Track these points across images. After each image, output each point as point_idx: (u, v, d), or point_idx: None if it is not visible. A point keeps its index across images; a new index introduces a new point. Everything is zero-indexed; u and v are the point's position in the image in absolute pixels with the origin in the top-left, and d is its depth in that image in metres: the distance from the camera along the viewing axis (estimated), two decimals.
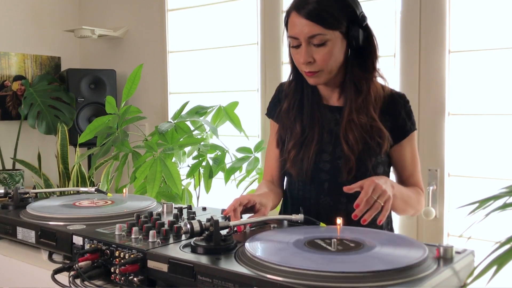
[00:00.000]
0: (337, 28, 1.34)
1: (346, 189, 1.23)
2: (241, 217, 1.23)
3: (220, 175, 2.54)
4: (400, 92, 1.48)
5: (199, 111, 2.61)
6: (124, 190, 1.53)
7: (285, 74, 2.76)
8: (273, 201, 1.45)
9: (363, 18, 1.40)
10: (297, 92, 1.49)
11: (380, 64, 1.46)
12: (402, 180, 1.50)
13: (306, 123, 1.46)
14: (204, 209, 1.40)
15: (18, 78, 3.47)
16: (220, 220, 1.03)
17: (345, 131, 1.39)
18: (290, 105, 1.49)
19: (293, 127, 1.48)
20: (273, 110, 1.58)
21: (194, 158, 2.53)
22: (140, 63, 2.60)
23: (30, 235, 1.25)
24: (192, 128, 2.55)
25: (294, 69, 1.47)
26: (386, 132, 1.39)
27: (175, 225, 1.10)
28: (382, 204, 1.18)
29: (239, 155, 2.50)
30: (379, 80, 1.46)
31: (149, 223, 1.13)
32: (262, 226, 1.19)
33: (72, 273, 1.02)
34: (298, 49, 1.37)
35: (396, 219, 2.38)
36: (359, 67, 1.41)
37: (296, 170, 1.44)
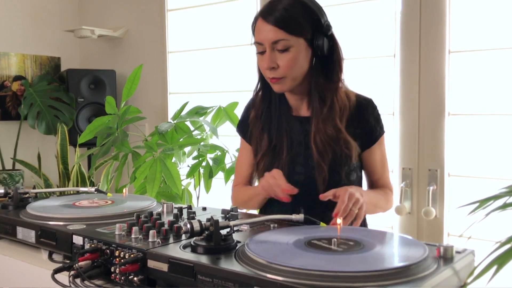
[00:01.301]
0: (301, 35, 1.35)
1: (321, 196, 1.26)
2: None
3: (220, 175, 2.54)
4: (368, 97, 1.48)
5: (199, 111, 2.61)
6: (124, 190, 1.53)
7: None
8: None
9: (328, 27, 1.40)
10: (265, 101, 1.49)
11: (344, 75, 1.46)
12: (372, 181, 1.53)
13: (274, 133, 1.45)
14: (204, 209, 1.40)
15: (18, 78, 3.47)
16: (220, 220, 1.03)
17: (314, 141, 1.39)
18: (257, 115, 1.50)
19: (261, 137, 1.48)
20: (244, 127, 1.59)
21: (194, 158, 2.53)
22: (140, 63, 2.60)
23: (30, 235, 1.25)
24: (192, 128, 2.55)
25: (261, 78, 1.47)
26: (353, 142, 1.40)
27: (175, 225, 1.10)
28: (357, 211, 1.23)
29: None
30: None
31: (149, 223, 1.13)
32: (262, 226, 1.19)
33: (72, 272, 1.02)
34: (263, 55, 1.37)
35: (396, 219, 2.38)
36: (324, 77, 1.41)
37: None
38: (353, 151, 1.40)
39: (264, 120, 1.48)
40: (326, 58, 1.40)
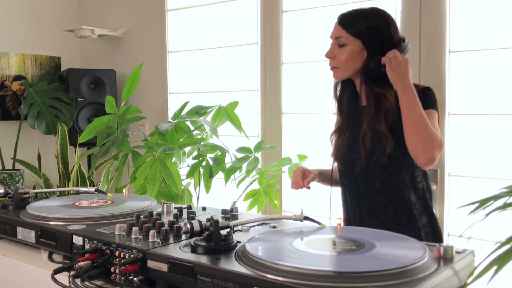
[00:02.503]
0: (359, 37, 1.58)
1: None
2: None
3: (220, 175, 2.54)
4: (426, 86, 1.65)
5: (199, 111, 2.61)
6: (124, 190, 1.53)
7: (285, 74, 2.76)
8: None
9: (395, 42, 1.61)
10: (342, 88, 1.73)
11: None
12: None
13: (344, 115, 1.70)
14: (204, 209, 1.40)
15: (18, 78, 3.47)
16: (220, 220, 1.03)
17: (364, 134, 1.60)
18: (335, 96, 1.74)
19: (337, 116, 1.75)
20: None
21: (194, 158, 2.53)
22: (140, 63, 2.60)
23: (30, 235, 1.25)
24: (192, 128, 2.55)
25: None
26: (390, 138, 1.55)
27: (175, 225, 1.10)
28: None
29: (239, 155, 2.50)
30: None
31: (149, 223, 1.13)
32: (262, 226, 1.19)
33: (72, 273, 1.02)
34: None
35: None
36: (370, 80, 1.60)
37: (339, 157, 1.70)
38: (388, 144, 1.55)
39: (339, 102, 1.72)
40: (378, 67, 1.59)
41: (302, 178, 1.66)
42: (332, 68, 1.65)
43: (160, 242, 1.03)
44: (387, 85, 1.57)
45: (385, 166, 1.58)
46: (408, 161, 1.57)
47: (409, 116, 1.51)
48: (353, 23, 1.59)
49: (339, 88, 1.74)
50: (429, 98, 1.60)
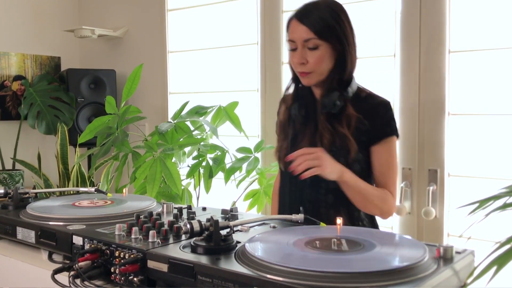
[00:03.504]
0: (329, 42, 1.50)
1: (289, 156, 1.42)
2: None
3: (220, 175, 2.54)
4: (386, 100, 1.59)
5: (199, 111, 2.61)
6: (124, 190, 1.53)
7: (285, 74, 2.76)
8: None
9: (352, 45, 1.54)
10: (295, 96, 1.64)
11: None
12: (375, 179, 1.59)
13: (298, 127, 1.60)
14: (204, 209, 1.40)
15: (18, 78, 3.47)
16: (220, 220, 1.03)
17: (321, 133, 1.54)
18: (287, 107, 1.65)
19: (287, 127, 1.64)
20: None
21: (194, 158, 2.53)
22: (140, 63, 2.60)
23: (30, 235, 1.25)
24: (192, 128, 2.55)
25: (294, 74, 1.62)
26: (352, 139, 1.51)
27: (175, 225, 1.10)
28: (314, 163, 1.38)
29: (239, 155, 2.50)
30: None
31: (149, 223, 1.13)
32: (262, 226, 1.19)
33: (72, 273, 1.02)
34: (295, 52, 1.54)
35: (396, 219, 2.38)
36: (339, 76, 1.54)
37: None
38: (351, 146, 1.51)
39: (292, 112, 1.63)
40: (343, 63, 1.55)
41: None
42: (305, 74, 1.54)
43: (160, 242, 1.03)
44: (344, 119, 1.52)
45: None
46: (365, 178, 1.54)
47: (355, 197, 1.50)
48: (323, 28, 1.49)
49: (292, 97, 1.64)
50: (393, 122, 1.56)
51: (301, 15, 1.52)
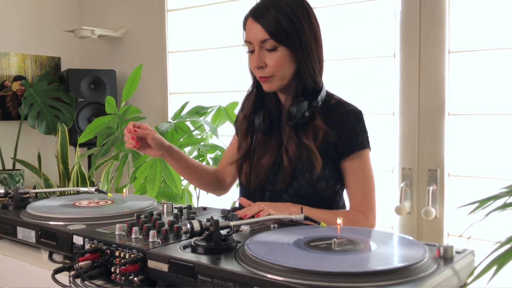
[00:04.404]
0: (287, 45, 1.36)
1: (240, 200, 1.32)
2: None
3: None
4: (357, 109, 1.46)
5: (199, 111, 2.61)
6: (124, 190, 1.53)
7: None
8: (189, 160, 1.58)
9: (308, 46, 1.39)
10: (256, 102, 1.50)
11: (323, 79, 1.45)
12: (350, 202, 1.48)
13: (260, 138, 1.49)
14: (204, 209, 1.40)
15: (18, 78, 3.47)
16: (220, 220, 1.03)
17: (287, 145, 1.42)
18: (246, 116, 1.52)
19: (246, 138, 1.52)
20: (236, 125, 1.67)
21: (194, 158, 2.53)
22: (140, 63, 2.60)
23: (30, 235, 1.25)
24: (192, 128, 2.55)
25: (255, 78, 1.50)
26: (317, 154, 1.38)
27: (175, 225, 1.10)
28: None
29: None
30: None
31: (149, 223, 1.13)
32: (262, 226, 1.19)
33: (72, 273, 1.02)
34: (252, 54, 1.41)
35: (396, 219, 2.38)
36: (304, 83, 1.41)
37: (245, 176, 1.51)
38: (316, 161, 1.39)
39: (251, 121, 1.50)
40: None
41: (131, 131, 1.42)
42: (264, 78, 1.39)
43: (160, 242, 1.03)
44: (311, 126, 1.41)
45: (306, 197, 1.41)
46: (331, 195, 1.44)
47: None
48: (278, 30, 1.35)
49: (252, 105, 1.50)
50: (364, 134, 1.43)
51: (256, 13, 1.39)
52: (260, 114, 1.46)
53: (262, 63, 1.38)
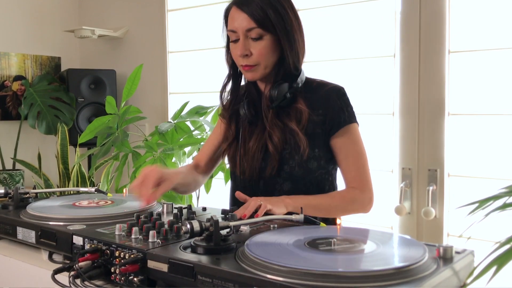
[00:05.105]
0: (272, 32, 1.39)
1: (236, 194, 1.32)
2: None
3: (220, 175, 2.54)
4: (338, 86, 1.48)
5: (199, 111, 2.61)
6: (124, 190, 1.53)
7: None
8: (185, 179, 1.51)
9: (290, 34, 1.42)
10: (235, 92, 1.55)
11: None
12: (345, 179, 1.49)
13: (245, 127, 1.50)
14: (204, 209, 1.40)
15: (18, 78, 3.47)
16: (220, 220, 1.03)
17: (270, 130, 1.44)
18: (226, 106, 1.56)
19: (230, 126, 1.54)
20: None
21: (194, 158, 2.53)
22: (140, 63, 2.60)
23: (30, 235, 1.25)
24: (192, 128, 2.55)
25: (233, 68, 1.53)
26: (302, 135, 1.40)
27: (175, 225, 1.10)
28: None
29: None
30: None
31: (149, 223, 1.13)
32: (262, 226, 1.19)
33: (72, 273, 1.02)
34: (236, 43, 1.43)
35: (396, 219, 2.38)
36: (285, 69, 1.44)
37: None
38: (301, 143, 1.41)
39: (233, 110, 1.53)
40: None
41: (150, 185, 1.28)
42: (248, 67, 1.42)
43: (160, 242, 1.03)
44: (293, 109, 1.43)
45: (298, 178, 1.43)
46: (324, 175, 1.45)
47: (315, 214, 1.35)
48: (264, 18, 1.37)
49: (232, 94, 1.54)
50: (349, 108, 1.45)
51: (240, 2, 1.40)
52: (244, 103, 1.49)
53: (247, 51, 1.40)
